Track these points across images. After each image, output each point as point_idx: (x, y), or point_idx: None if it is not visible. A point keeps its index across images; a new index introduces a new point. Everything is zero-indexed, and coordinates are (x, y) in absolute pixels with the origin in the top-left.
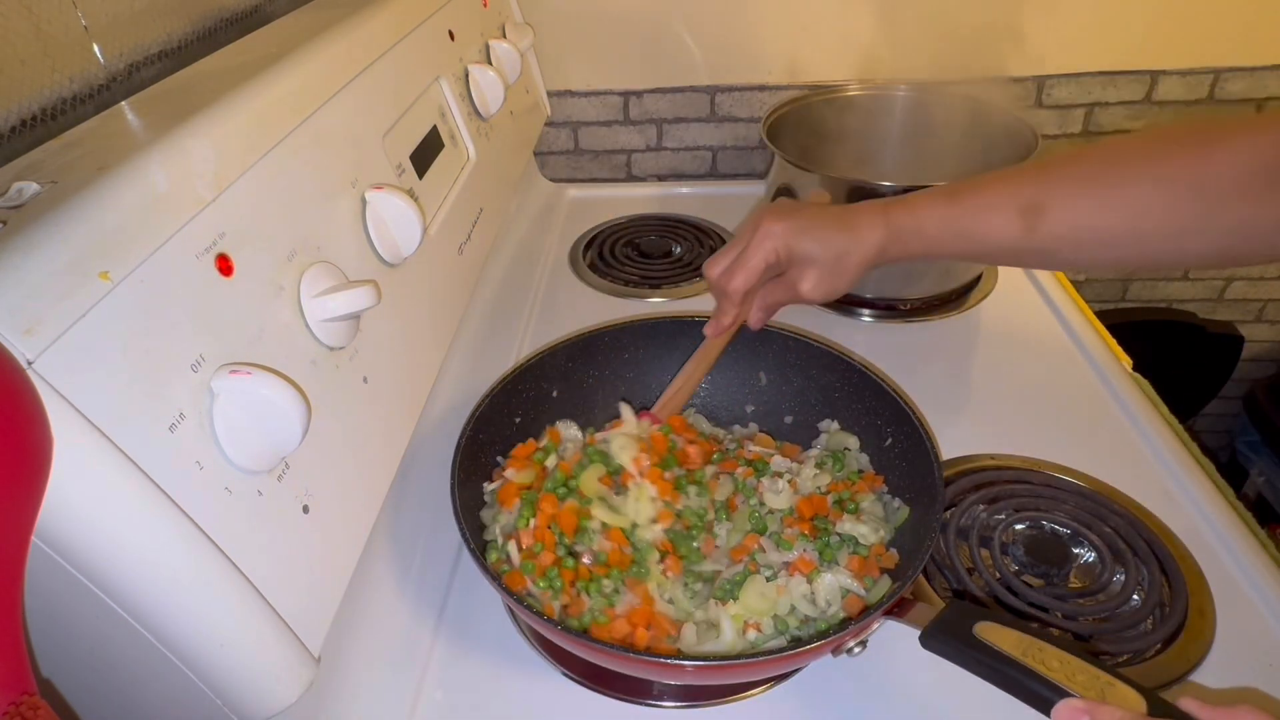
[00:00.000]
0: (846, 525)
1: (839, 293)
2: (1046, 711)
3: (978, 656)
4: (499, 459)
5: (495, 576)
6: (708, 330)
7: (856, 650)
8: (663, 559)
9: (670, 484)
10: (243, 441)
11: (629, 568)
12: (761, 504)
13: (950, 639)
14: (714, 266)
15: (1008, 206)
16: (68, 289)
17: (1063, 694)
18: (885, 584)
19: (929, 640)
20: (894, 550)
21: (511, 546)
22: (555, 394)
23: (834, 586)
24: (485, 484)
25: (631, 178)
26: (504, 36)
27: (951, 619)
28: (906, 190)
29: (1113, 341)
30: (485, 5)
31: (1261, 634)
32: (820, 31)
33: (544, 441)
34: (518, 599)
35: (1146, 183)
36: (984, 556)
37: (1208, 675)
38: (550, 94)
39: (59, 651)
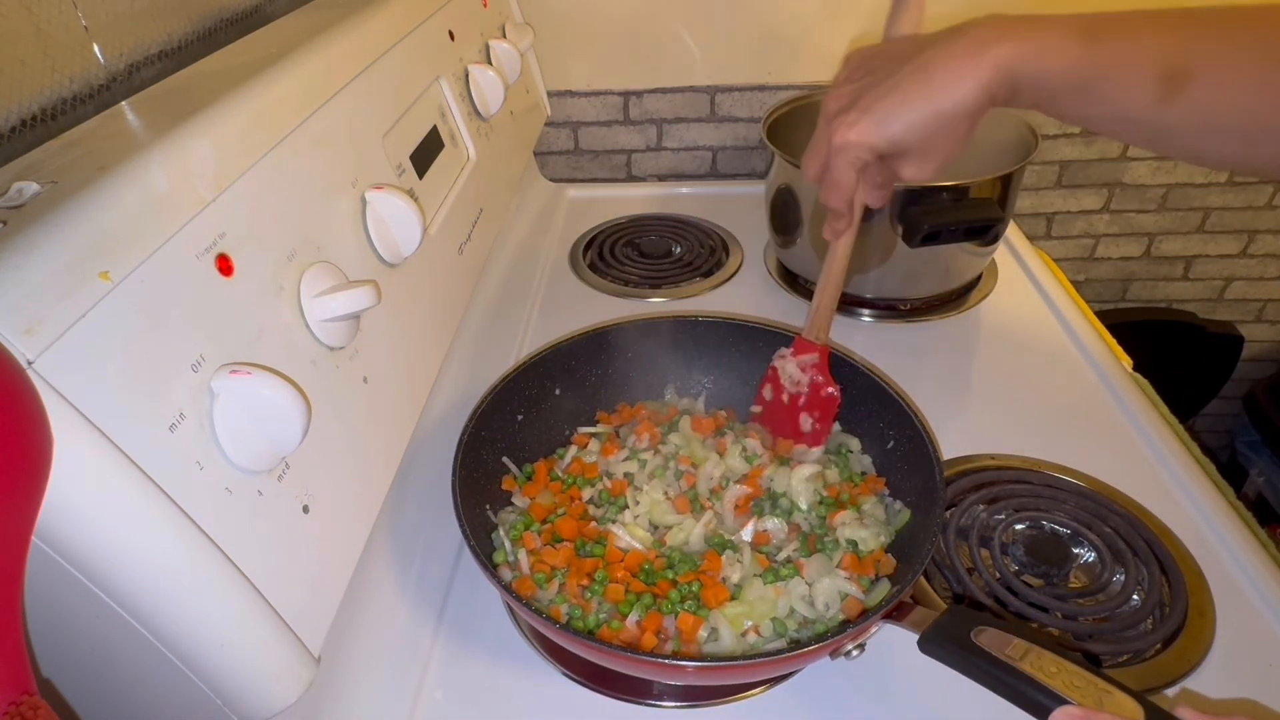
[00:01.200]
0: (847, 529)
1: (952, 162)
2: (1044, 718)
3: (976, 662)
4: (503, 459)
5: (496, 575)
6: (826, 234)
7: (855, 653)
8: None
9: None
10: (243, 441)
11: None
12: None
13: (948, 644)
14: (807, 169)
15: (1149, 67)
16: (68, 289)
17: (1060, 701)
18: (884, 587)
19: (927, 645)
20: (890, 555)
21: (522, 554)
22: (558, 392)
23: (833, 589)
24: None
25: (631, 178)
26: (504, 36)
27: (950, 624)
28: (907, 190)
29: (1113, 341)
30: (485, 5)
31: (1261, 634)
32: (820, 31)
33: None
34: (518, 598)
35: None
36: (984, 556)
37: (1207, 676)
38: (550, 94)
39: (59, 651)
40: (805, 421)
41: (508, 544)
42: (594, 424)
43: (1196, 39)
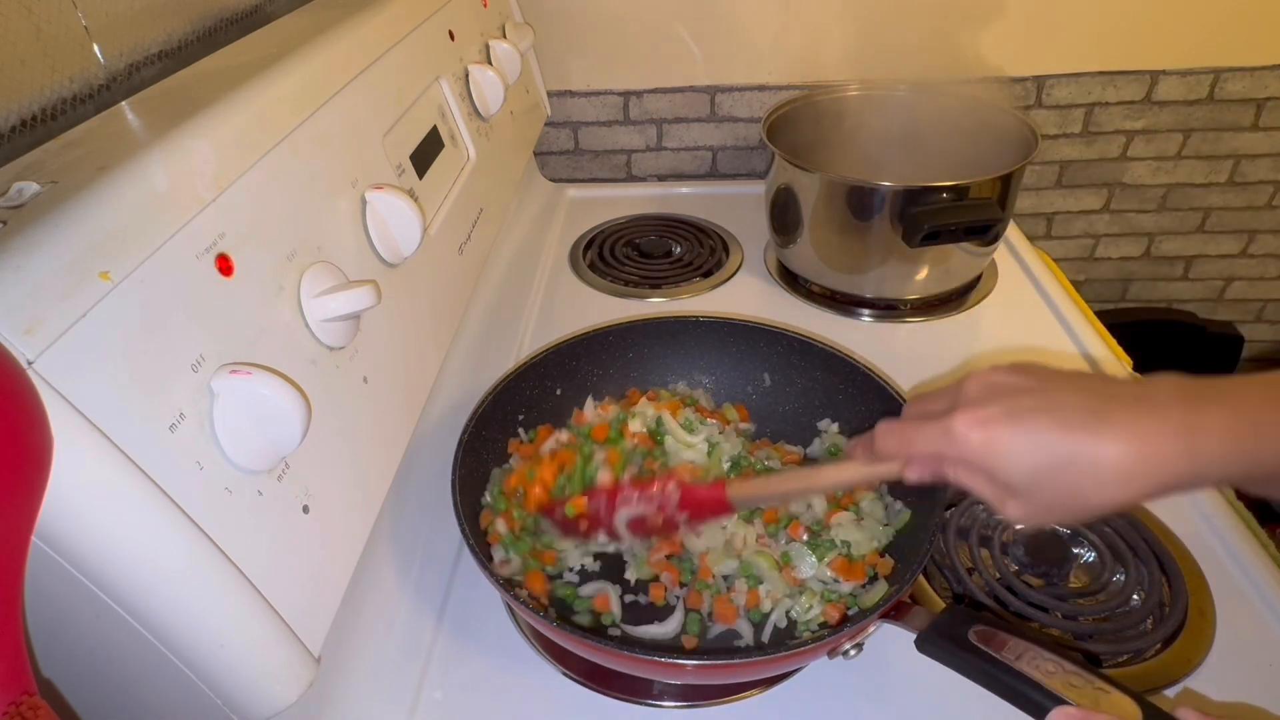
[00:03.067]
0: (843, 530)
1: (1055, 521)
2: (1041, 718)
3: (973, 661)
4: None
5: (496, 576)
6: (847, 449)
7: (852, 653)
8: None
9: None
10: (243, 441)
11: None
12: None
13: (946, 643)
14: (906, 411)
15: None
16: (68, 289)
17: (1058, 701)
18: (883, 587)
19: (925, 644)
20: (888, 557)
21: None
22: (559, 392)
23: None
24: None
25: (631, 178)
26: (504, 36)
27: (948, 623)
28: (907, 190)
29: (1113, 341)
30: (485, 5)
31: (1262, 634)
32: (820, 31)
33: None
34: (518, 598)
35: None
36: (984, 556)
37: (1207, 676)
38: (550, 94)
39: (59, 651)
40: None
41: (490, 497)
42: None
43: None
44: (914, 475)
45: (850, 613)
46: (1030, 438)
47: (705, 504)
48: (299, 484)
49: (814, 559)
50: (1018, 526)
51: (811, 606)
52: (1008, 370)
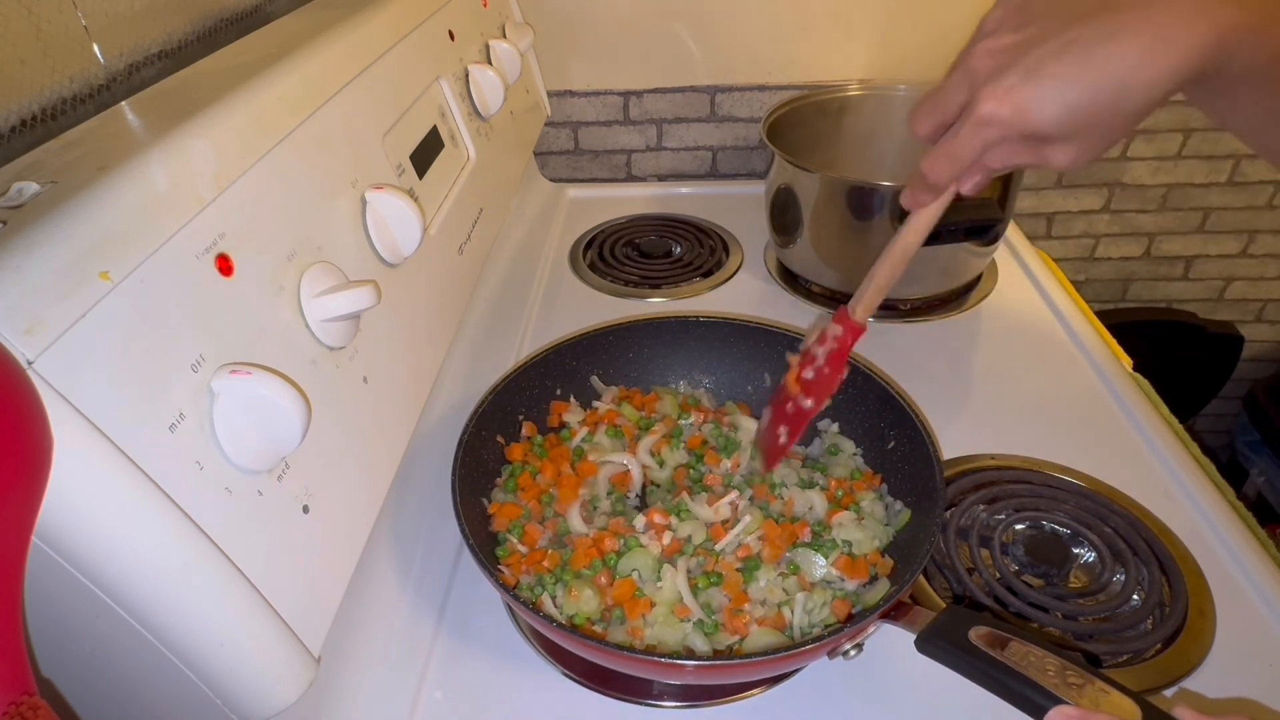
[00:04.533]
0: (844, 530)
1: (1108, 150)
2: (1040, 718)
3: (973, 662)
4: (505, 455)
5: (496, 575)
6: (905, 201)
7: (852, 653)
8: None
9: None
10: (243, 441)
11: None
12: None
13: (946, 644)
14: (919, 124)
15: None
16: (68, 289)
17: (1057, 701)
18: (883, 586)
19: (924, 644)
20: (888, 557)
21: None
22: (558, 392)
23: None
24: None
25: (631, 178)
26: (504, 36)
27: (947, 623)
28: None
29: (1113, 341)
30: (485, 5)
31: (1262, 634)
32: (820, 31)
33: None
34: (518, 598)
35: None
36: (984, 556)
37: (1207, 676)
38: (550, 94)
39: (59, 651)
40: (803, 402)
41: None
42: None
43: None
44: (970, 188)
45: (855, 610)
46: (1055, 85)
47: (851, 333)
48: (299, 484)
49: (822, 559)
50: (1072, 167)
51: (822, 605)
52: (1000, 22)
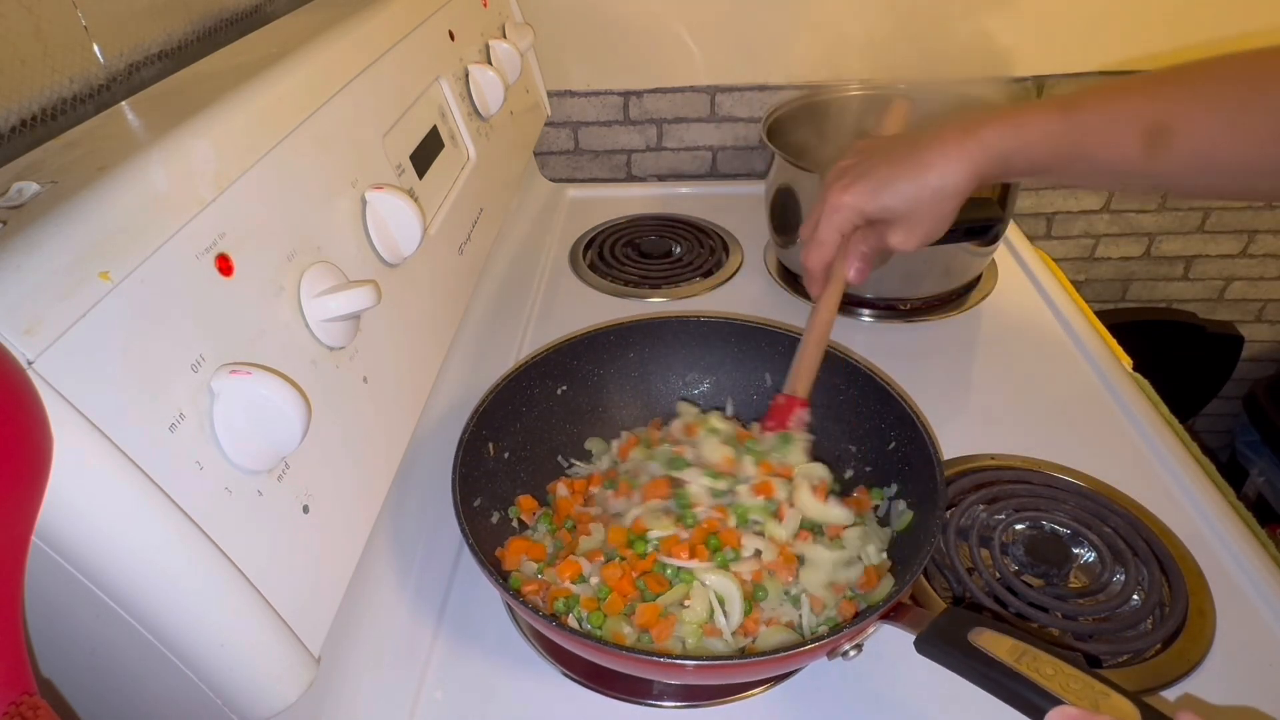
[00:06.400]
0: (806, 576)
1: (936, 235)
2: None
3: (972, 663)
4: (505, 453)
5: (495, 575)
6: (809, 290)
7: (852, 654)
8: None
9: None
10: (243, 441)
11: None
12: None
13: (945, 645)
14: (803, 230)
15: (1129, 127)
16: (68, 289)
17: (1056, 702)
18: (883, 587)
19: (924, 645)
20: (888, 558)
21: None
22: (559, 391)
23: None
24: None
25: (631, 178)
26: (504, 36)
27: (947, 625)
28: None
29: (1113, 341)
30: (485, 5)
31: (1261, 634)
32: (820, 31)
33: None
34: (518, 597)
35: None
36: (984, 556)
37: (1207, 676)
38: (550, 94)
39: (59, 651)
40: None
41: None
42: (595, 432)
43: (1170, 95)
44: (855, 275)
45: (860, 609)
46: (885, 179)
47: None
48: (299, 484)
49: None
50: (907, 251)
51: (828, 605)
52: (847, 160)
